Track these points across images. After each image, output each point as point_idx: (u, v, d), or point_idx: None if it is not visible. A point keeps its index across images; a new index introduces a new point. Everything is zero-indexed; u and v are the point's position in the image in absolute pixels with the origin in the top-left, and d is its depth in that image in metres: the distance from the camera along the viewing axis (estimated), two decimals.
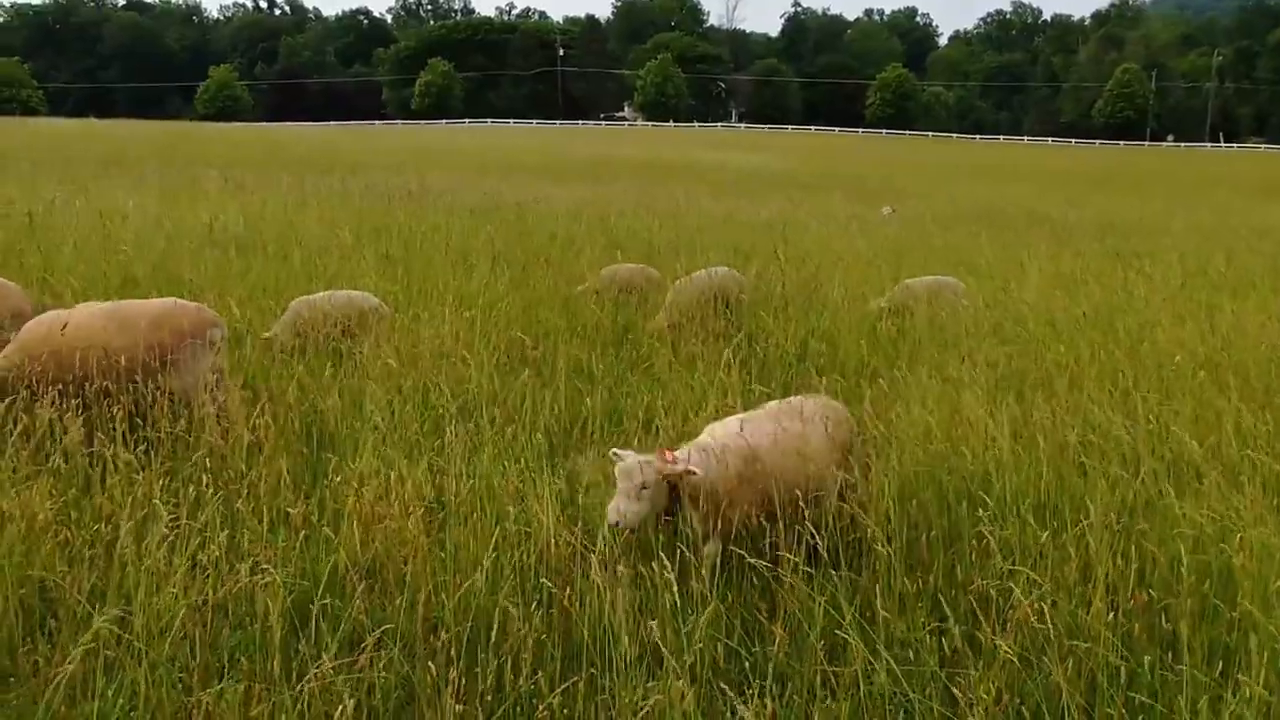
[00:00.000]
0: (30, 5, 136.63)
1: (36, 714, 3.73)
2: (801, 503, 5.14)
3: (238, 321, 8.94)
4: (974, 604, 4.60)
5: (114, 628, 3.97)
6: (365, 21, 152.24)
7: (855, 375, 8.50)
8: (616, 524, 4.98)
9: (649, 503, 5.04)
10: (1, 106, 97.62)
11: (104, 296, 8.95)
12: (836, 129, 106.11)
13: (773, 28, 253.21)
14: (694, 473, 5.08)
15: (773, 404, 5.91)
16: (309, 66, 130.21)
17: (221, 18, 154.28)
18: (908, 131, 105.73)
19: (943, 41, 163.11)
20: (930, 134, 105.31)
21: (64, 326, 6.65)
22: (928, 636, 4.29)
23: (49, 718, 3.72)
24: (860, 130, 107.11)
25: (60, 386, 6.39)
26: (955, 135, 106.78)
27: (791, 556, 4.81)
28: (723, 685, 4.06)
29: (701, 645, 4.10)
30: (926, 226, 21.83)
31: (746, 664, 4.33)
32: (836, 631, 4.32)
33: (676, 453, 5.25)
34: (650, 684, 3.95)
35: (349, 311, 8.95)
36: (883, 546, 5.04)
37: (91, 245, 12.19)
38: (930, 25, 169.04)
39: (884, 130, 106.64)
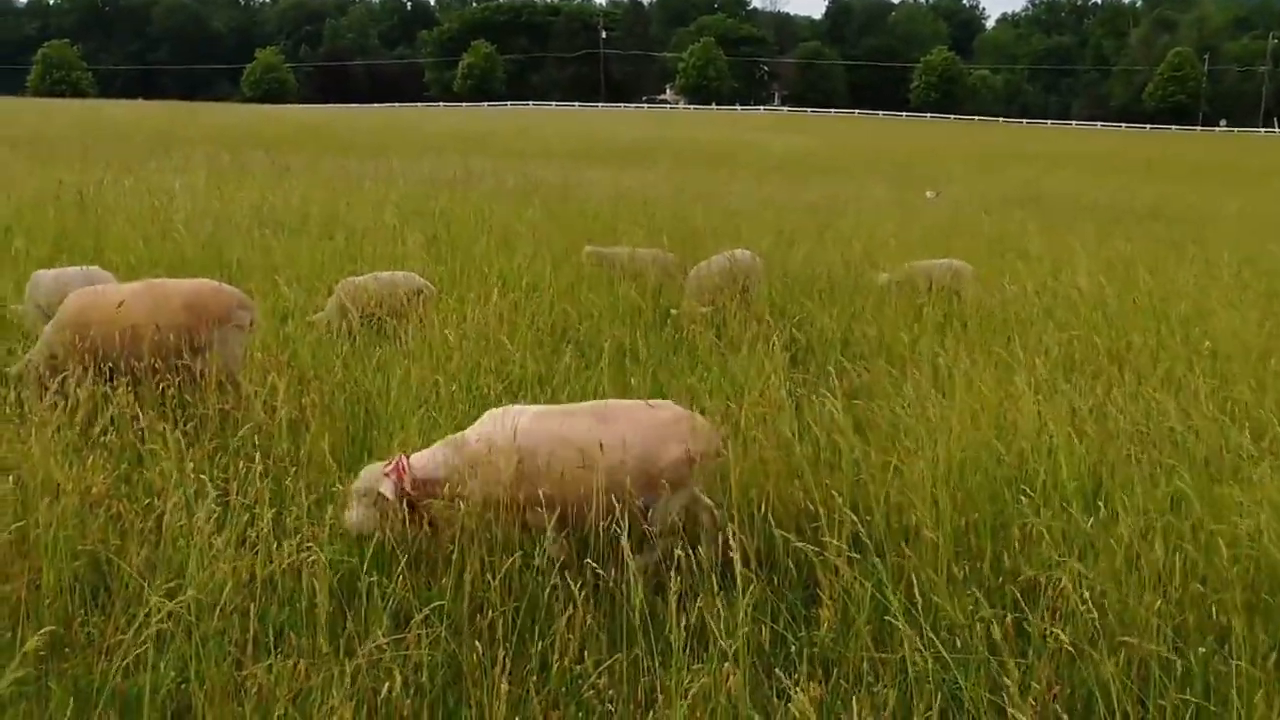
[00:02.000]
0: None
1: (93, 684, 3.79)
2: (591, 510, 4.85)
3: (286, 302, 9.02)
4: (1021, 592, 4.55)
5: (166, 601, 4.02)
6: (408, 4, 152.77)
7: (901, 360, 8.42)
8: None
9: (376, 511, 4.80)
10: (52, 88, 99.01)
11: (155, 276, 9.06)
12: (881, 113, 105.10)
13: (817, 10, 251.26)
14: (386, 497, 4.78)
15: (600, 404, 5.49)
16: (352, 49, 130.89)
17: (267, 1, 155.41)
18: (953, 115, 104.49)
19: (990, 24, 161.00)
20: (976, 118, 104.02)
21: (120, 304, 6.74)
22: (976, 623, 4.25)
23: (104, 688, 3.78)
24: (905, 114, 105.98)
25: (99, 363, 6.50)
26: (1002, 119, 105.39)
27: (836, 542, 4.78)
28: (772, 669, 4.04)
29: (747, 629, 4.08)
30: (972, 211, 21.58)
31: (792, 648, 4.31)
32: (885, 618, 4.28)
33: (413, 458, 4.99)
34: (696, 666, 3.94)
35: (395, 292, 9.00)
36: (929, 532, 5.00)
37: (142, 226, 12.33)
38: (977, 7, 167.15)
39: (929, 114, 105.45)
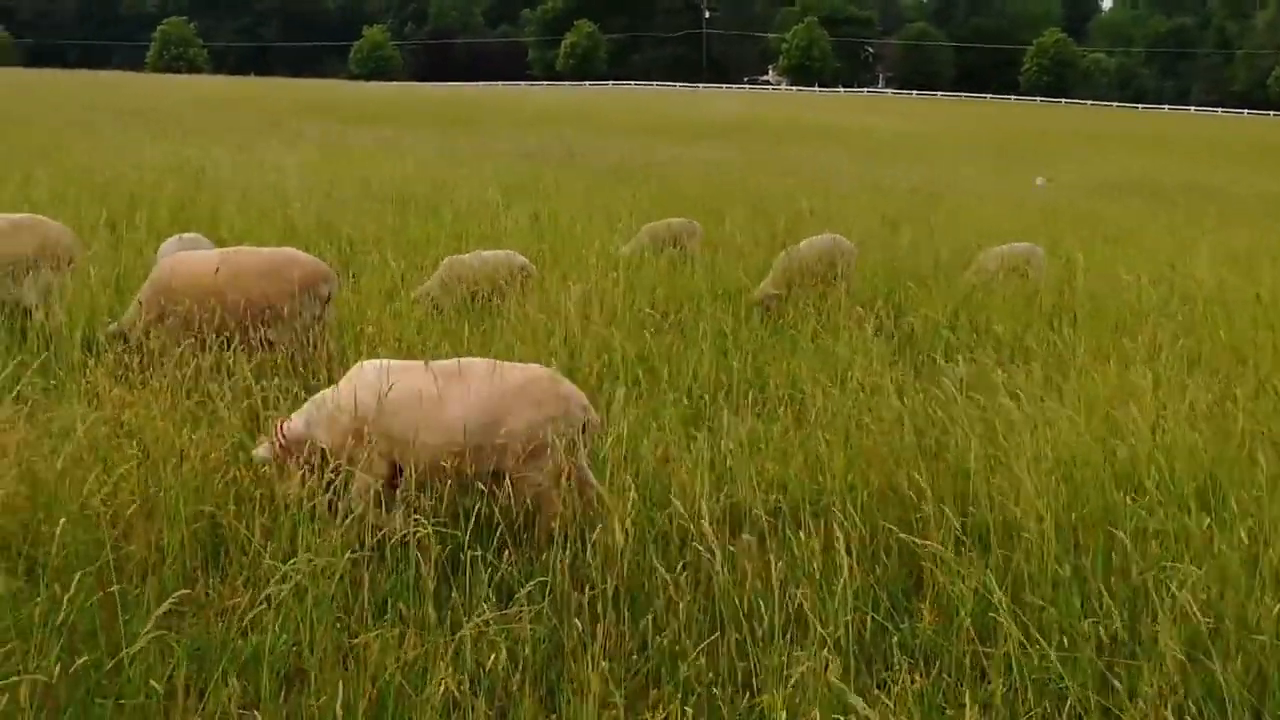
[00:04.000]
0: None
1: (211, 642, 3.92)
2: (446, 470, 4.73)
3: (394, 276, 9.19)
4: (1132, 593, 4.43)
5: (279, 565, 4.14)
6: None
7: (1010, 349, 8.25)
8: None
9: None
10: (170, 64, 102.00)
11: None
12: (988, 96, 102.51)
13: None
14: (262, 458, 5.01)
15: (460, 361, 5.27)
16: (456, 27, 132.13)
17: None
18: (1064, 99, 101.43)
19: (1106, 5, 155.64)
20: (1089, 102, 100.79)
21: (216, 270, 6.93)
22: (1085, 623, 4.14)
23: (221, 646, 3.91)
24: (1014, 97, 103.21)
25: (185, 328, 6.70)
26: (1116, 104, 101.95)
27: (940, 533, 4.71)
28: (872, 658, 4.00)
29: (848, 618, 4.05)
30: (1083, 198, 20.98)
31: (894, 639, 4.26)
32: (990, 614, 4.20)
33: (293, 419, 5.15)
34: (798, 653, 3.92)
35: (498, 270, 9.10)
36: (1035, 528, 4.89)
37: (257, 199, 12.68)
38: None
39: (1039, 98, 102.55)
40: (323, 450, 4.96)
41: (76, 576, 3.67)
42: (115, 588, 3.91)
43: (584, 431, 5.12)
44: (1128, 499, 5.02)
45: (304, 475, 4.81)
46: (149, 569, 4.21)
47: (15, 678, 3.31)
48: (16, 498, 4.47)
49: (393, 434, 4.87)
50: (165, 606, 3.71)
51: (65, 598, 3.63)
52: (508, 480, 4.81)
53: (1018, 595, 4.34)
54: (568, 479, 4.84)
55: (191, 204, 12.43)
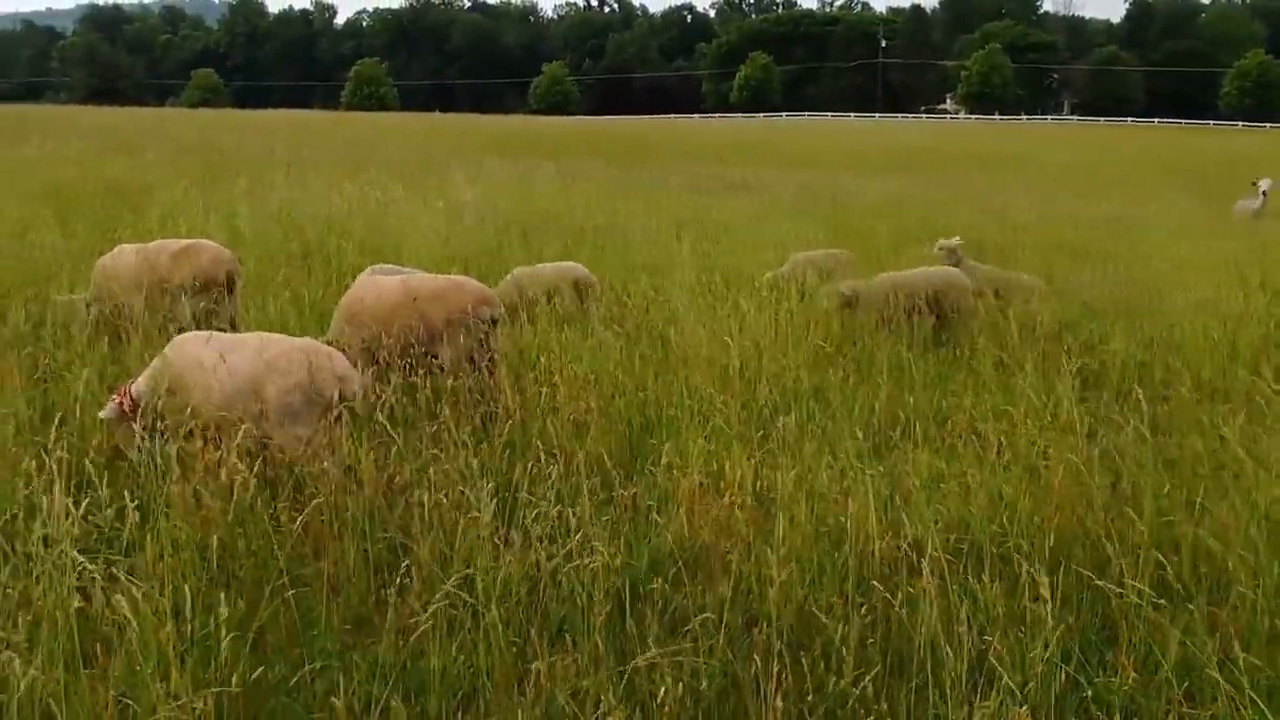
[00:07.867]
0: (390, 9, 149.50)
1: (388, 662, 4.01)
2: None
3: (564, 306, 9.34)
4: None
5: (457, 590, 4.20)
6: (689, 17, 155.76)
7: (1209, 390, 7.75)
8: None
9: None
10: (362, 102, 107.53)
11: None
12: (1183, 121, 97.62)
13: (1115, 12, 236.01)
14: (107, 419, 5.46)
15: (248, 335, 5.79)
16: (633, 62, 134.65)
17: (555, 17, 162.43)
18: (1268, 124, 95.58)
19: None
20: None
21: (414, 299, 7.20)
22: None
23: (399, 666, 3.99)
24: (1211, 122, 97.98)
25: (367, 352, 6.95)
26: None
27: (1138, 584, 4.43)
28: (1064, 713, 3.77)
29: (1042, 668, 3.83)
30: None
31: (1087, 693, 4.01)
32: (1207, 672, 3.89)
33: (137, 381, 5.56)
34: (983, 704, 3.72)
35: (560, 279, 9.71)
36: (1246, 581, 4.54)
37: (439, 230, 13.12)
38: None
39: (1239, 123, 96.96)
40: (154, 411, 5.41)
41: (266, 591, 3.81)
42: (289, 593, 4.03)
43: (341, 401, 5.36)
44: None
45: (141, 434, 5.25)
46: (335, 587, 4.34)
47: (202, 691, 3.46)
48: (217, 514, 4.70)
49: (187, 400, 5.27)
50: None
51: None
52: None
53: (1228, 652, 4.02)
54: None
55: (378, 233, 12.96)
